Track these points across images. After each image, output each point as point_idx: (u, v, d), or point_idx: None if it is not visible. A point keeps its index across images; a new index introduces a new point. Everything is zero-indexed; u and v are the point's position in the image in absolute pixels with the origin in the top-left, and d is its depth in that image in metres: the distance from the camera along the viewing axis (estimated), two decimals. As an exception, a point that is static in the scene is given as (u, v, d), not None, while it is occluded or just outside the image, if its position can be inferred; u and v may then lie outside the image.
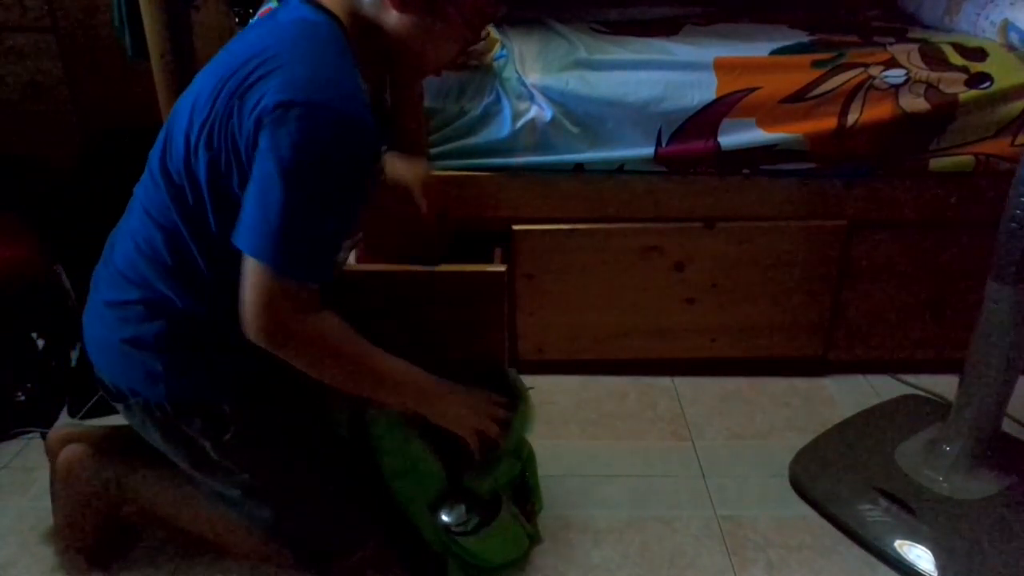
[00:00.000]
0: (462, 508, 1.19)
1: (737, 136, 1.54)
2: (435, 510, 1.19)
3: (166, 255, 1.03)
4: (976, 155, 1.56)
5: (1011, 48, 1.59)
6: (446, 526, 1.18)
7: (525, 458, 1.31)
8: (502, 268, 1.50)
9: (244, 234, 0.94)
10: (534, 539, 1.30)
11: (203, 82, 1.01)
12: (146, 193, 1.07)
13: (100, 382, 1.13)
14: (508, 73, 1.55)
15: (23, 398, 1.64)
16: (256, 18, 1.06)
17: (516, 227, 1.62)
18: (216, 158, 0.97)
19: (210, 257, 1.02)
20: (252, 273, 0.94)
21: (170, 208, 1.02)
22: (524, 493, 1.30)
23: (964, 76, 1.52)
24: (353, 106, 0.93)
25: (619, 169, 1.59)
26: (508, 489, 1.26)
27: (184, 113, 1.01)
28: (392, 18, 0.99)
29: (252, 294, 0.94)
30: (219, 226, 0.99)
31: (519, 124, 1.54)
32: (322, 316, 0.98)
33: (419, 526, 1.20)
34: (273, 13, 1.05)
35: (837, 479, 1.41)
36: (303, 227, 0.92)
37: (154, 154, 1.06)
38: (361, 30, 1.01)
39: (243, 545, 1.22)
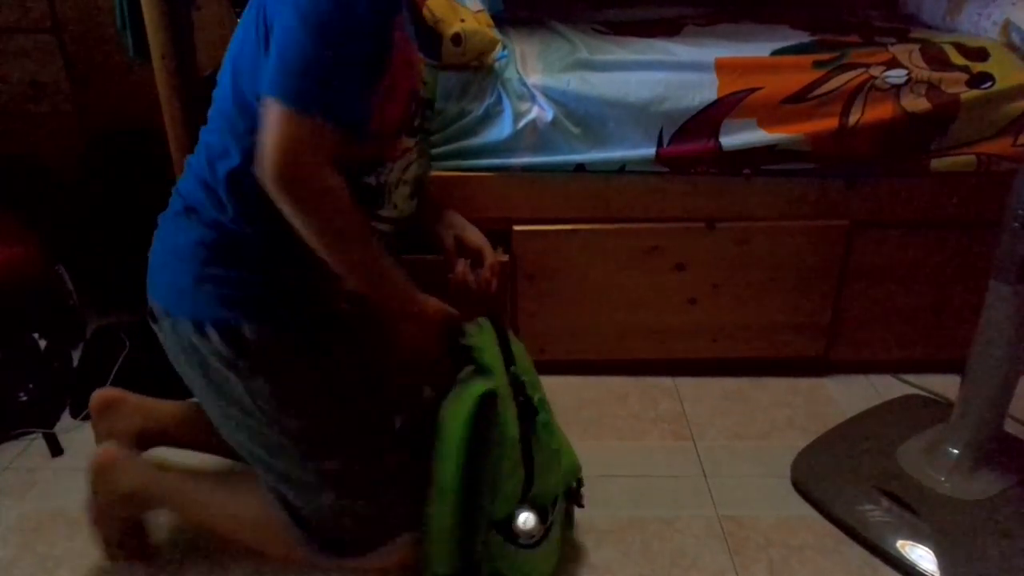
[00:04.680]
0: (535, 519, 1.17)
1: (738, 136, 1.54)
2: (500, 525, 1.16)
3: (216, 166, 1.07)
4: (978, 155, 1.56)
5: (1013, 48, 1.59)
6: (514, 535, 1.15)
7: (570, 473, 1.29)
8: (504, 257, 1.50)
9: (265, 79, 0.96)
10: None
11: None
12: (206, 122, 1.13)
13: (149, 309, 1.15)
14: (509, 74, 1.55)
15: (24, 399, 1.64)
16: None
17: (517, 227, 1.62)
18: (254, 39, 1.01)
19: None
20: (271, 114, 0.95)
21: (224, 120, 1.07)
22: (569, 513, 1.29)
23: (965, 76, 1.52)
24: None
25: (620, 169, 1.59)
26: (564, 501, 1.25)
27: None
28: None
29: (270, 134, 0.95)
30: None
31: (520, 124, 1.54)
32: (335, 174, 0.98)
33: (468, 532, 1.17)
34: None
35: (839, 479, 1.41)
36: (320, 63, 0.94)
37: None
38: None
39: (266, 540, 1.20)
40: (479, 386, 1.13)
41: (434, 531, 1.15)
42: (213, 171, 1.08)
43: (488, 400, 1.13)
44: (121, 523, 1.27)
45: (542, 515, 1.18)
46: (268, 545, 1.22)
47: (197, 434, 1.33)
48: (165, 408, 1.34)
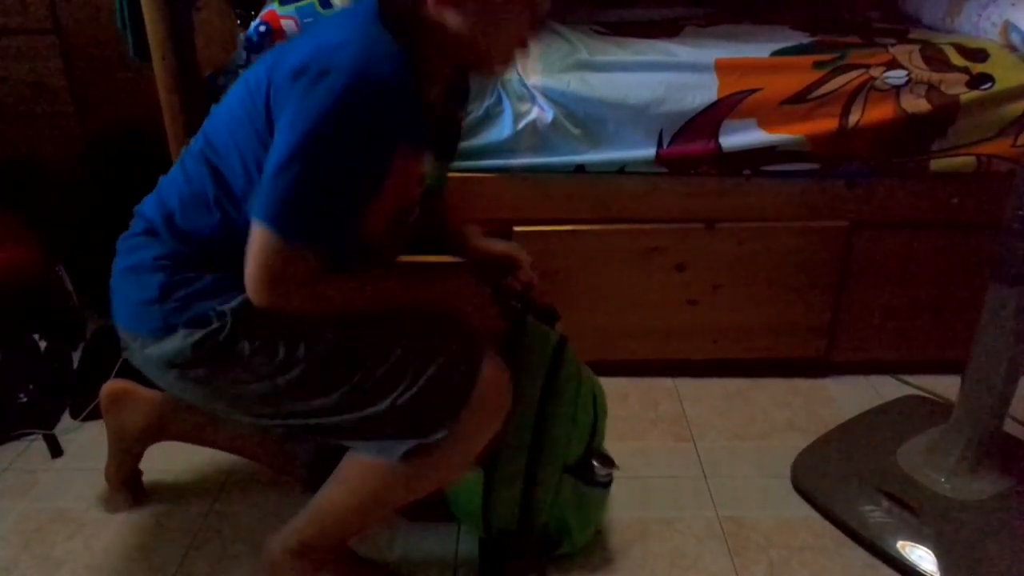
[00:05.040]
0: (607, 459, 1.26)
1: (738, 137, 1.54)
2: (576, 468, 1.23)
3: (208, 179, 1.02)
4: (977, 156, 1.56)
5: (1012, 49, 1.59)
6: (593, 473, 1.23)
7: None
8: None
9: (257, 199, 0.93)
10: None
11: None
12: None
13: (119, 338, 1.09)
14: (509, 74, 1.55)
15: (24, 399, 1.64)
16: None
17: (517, 228, 1.62)
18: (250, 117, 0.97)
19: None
20: (257, 235, 0.93)
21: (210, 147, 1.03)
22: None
23: (965, 77, 1.52)
24: (375, 71, 0.89)
25: (620, 170, 1.59)
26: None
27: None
28: (449, 16, 0.95)
29: (255, 257, 0.93)
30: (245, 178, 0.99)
31: (520, 125, 1.54)
32: (322, 283, 0.97)
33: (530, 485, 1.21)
34: None
35: (839, 480, 1.41)
36: (314, 194, 0.91)
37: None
38: (425, 33, 0.97)
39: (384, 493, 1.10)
40: (553, 333, 1.25)
41: (500, 483, 1.20)
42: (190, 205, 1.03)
43: (561, 347, 1.23)
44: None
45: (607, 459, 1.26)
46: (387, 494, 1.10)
47: (208, 429, 1.33)
48: (175, 401, 1.30)
